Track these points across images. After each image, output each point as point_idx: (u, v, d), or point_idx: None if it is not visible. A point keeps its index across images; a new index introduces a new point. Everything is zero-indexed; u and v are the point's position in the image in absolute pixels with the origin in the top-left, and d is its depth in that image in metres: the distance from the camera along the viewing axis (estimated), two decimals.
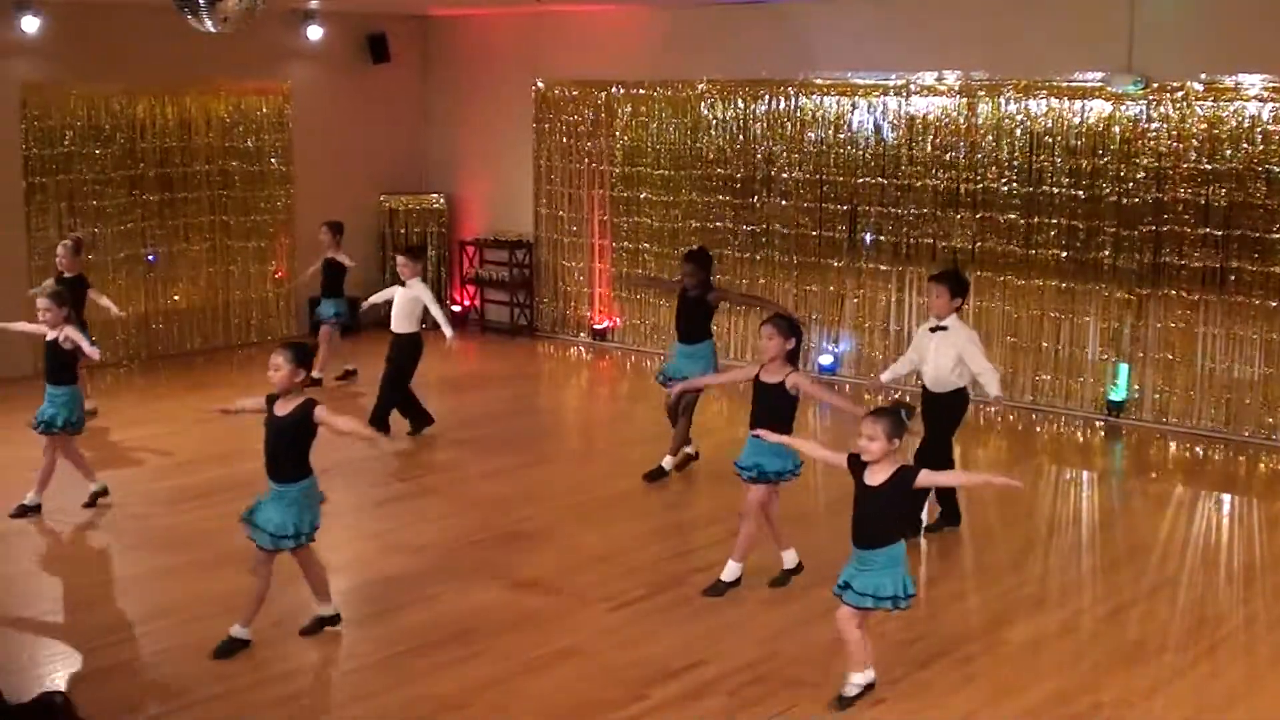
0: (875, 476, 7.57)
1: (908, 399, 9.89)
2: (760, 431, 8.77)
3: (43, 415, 10.96)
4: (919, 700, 7.86)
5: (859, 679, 7.75)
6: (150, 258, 16.90)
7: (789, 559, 9.64)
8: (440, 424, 13.70)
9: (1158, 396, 14.02)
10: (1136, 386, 14.07)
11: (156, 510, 11.34)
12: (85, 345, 10.89)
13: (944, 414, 10.51)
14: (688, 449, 12.46)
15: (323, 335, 15.72)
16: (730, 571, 9.46)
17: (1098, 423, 14.21)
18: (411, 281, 13.48)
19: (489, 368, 16.78)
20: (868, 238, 15.70)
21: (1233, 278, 13.48)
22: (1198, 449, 13.44)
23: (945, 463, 10.44)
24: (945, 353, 10.35)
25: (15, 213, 15.83)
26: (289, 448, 8.41)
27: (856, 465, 7.63)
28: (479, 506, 11.45)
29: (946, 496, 10.73)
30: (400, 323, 13.51)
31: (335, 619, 8.84)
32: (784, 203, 16.32)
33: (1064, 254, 14.39)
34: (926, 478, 7.70)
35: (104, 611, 9.28)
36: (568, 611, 9.14)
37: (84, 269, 14.13)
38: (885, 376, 11.22)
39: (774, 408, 9.24)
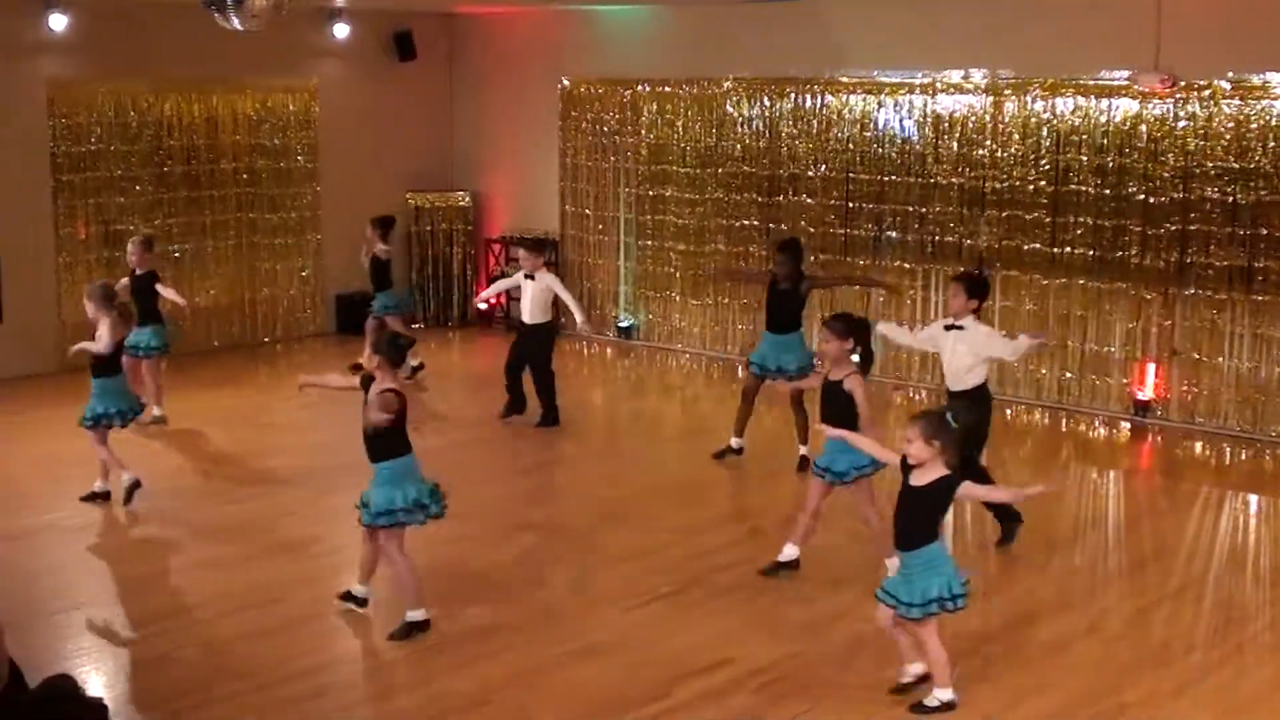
0: (920, 478, 7.60)
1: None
2: (822, 426, 9.01)
3: (89, 412, 11.18)
4: None
5: (941, 694, 7.72)
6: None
7: (790, 552, 9.69)
8: (464, 421, 13.73)
9: (1184, 396, 13.97)
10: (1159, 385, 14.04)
11: (182, 506, 11.38)
12: (99, 347, 11.15)
13: (969, 415, 10.41)
14: (734, 442, 12.59)
15: (370, 328, 15.75)
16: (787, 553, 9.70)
17: (1124, 422, 14.16)
18: (539, 274, 13.87)
19: None
20: (891, 235, 15.67)
21: (1260, 277, 13.41)
22: (1225, 448, 13.38)
23: (977, 464, 10.38)
24: (960, 351, 10.27)
25: (43, 210, 15.89)
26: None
27: (905, 467, 7.68)
28: (502, 503, 11.46)
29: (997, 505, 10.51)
30: (536, 313, 13.88)
31: (364, 602, 9.01)
32: (810, 201, 16.30)
33: (1090, 253, 14.34)
34: (968, 490, 7.71)
35: (128, 607, 9.32)
36: (590, 609, 9.15)
37: (154, 265, 14.14)
38: (881, 326, 11.33)
39: (837, 405, 9.35)
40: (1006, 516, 10.47)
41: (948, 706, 7.67)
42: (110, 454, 11.26)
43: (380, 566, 8.89)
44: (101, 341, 11.08)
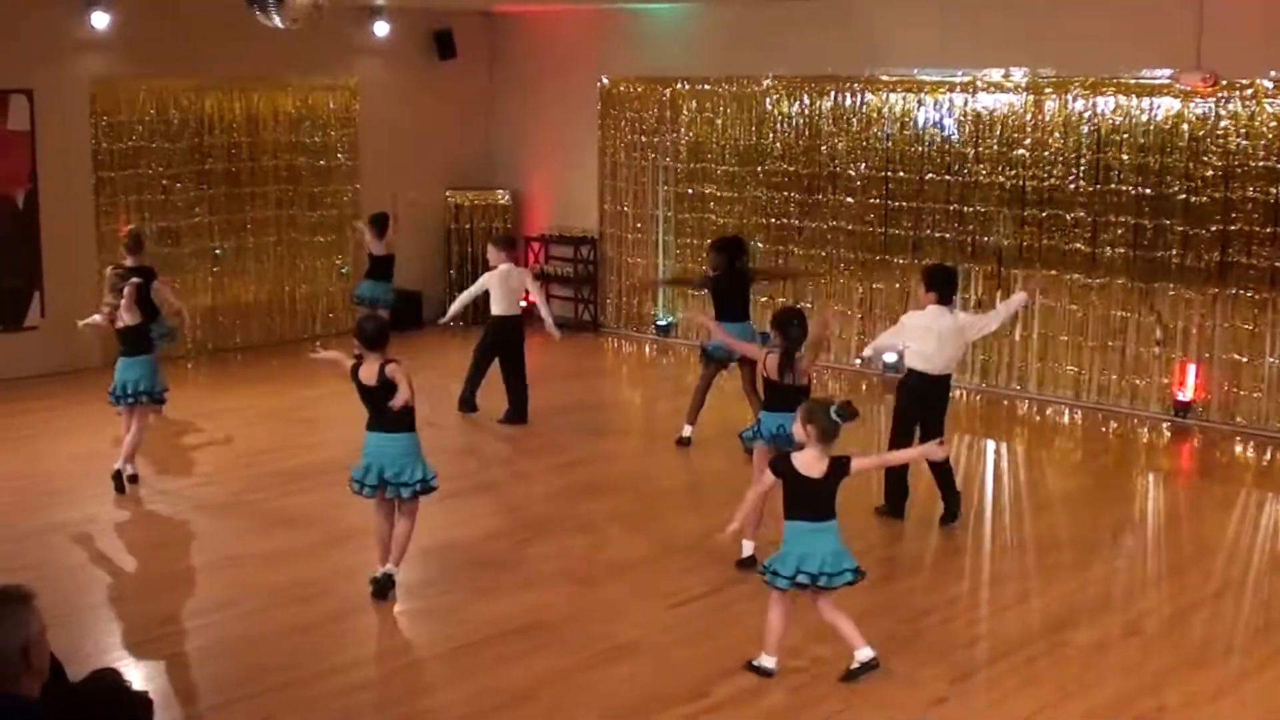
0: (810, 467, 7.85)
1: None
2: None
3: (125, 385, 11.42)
4: (981, 700, 7.84)
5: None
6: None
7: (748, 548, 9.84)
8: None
9: (1225, 397, 13.89)
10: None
11: (223, 502, 11.45)
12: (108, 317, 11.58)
13: (930, 402, 10.89)
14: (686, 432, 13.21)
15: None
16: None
17: (1164, 423, 14.09)
18: (510, 269, 13.92)
19: (553, 363, 16.80)
20: (919, 233, 15.68)
21: None
22: (1266, 449, 13.30)
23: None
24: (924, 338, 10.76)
25: (85, 206, 16.01)
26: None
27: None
28: (542, 501, 11.49)
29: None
30: (504, 306, 13.90)
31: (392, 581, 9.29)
32: (849, 200, 16.27)
33: (1131, 252, 14.27)
34: (859, 463, 7.99)
35: (166, 602, 9.37)
36: (631, 606, 9.16)
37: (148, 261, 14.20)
38: (867, 351, 11.94)
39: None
40: (948, 493, 10.86)
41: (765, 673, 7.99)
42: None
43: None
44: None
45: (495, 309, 13.82)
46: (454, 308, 14.24)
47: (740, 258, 13.22)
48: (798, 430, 7.84)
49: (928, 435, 10.31)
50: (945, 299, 10.83)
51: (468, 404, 14.03)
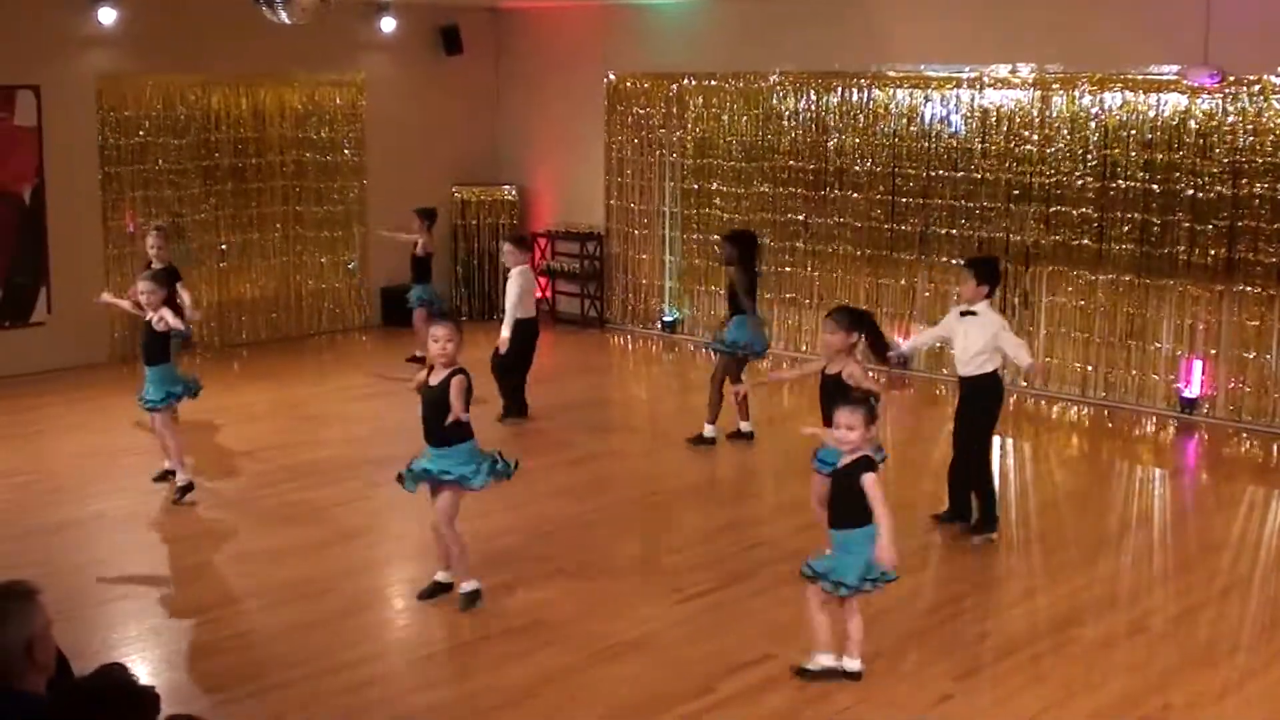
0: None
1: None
2: (809, 429, 9.14)
3: (150, 395, 11.23)
4: (987, 697, 7.82)
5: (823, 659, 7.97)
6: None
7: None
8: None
9: (1232, 393, 13.87)
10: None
11: (229, 497, 11.47)
12: (178, 323, 11.27)
13: (977, 402, 10.44)
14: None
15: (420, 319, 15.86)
16: None
17: (1171, 420, 14.07)
18: (522, 269, 13.66)
19: (559, 359, 16.82)
20: (926, 229, 15.66)
21: None
22: (1272, 446, 13.28)
23: (984, 454, 10.57)
24: (972, 337, 10.29)
25: (92, 202, 16.03)
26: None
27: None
28: (548, 497, 11.48)
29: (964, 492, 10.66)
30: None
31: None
32: (856, 196, 16.26)
33: (1138, 249, 14.26)
34: (871, 485, 7.73)
35: (174, 598, 9.39)
36: (636, 603, 9.15)
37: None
38: (906, 346, 11.71)
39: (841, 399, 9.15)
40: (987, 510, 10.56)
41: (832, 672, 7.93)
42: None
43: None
44: (179, 323, 11.33)
45: (519, 312, 13.51)
46: (505, 331, 13.55)
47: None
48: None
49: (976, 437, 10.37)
50: (993, 294, 10.66)
51: (520, 409, 13.91)
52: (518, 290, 13.45)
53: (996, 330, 10.31)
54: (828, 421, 8.99)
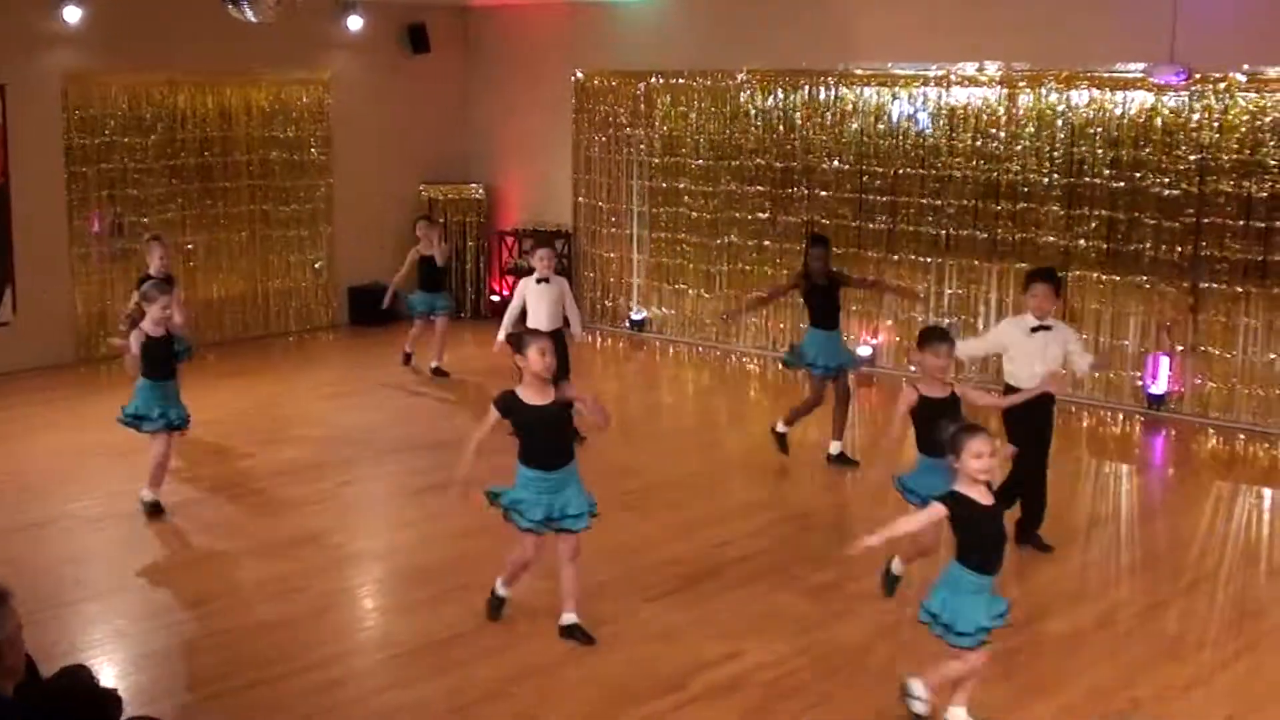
0: (987, 496, 7.19)
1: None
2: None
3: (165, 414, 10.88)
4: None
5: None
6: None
7: (897, 566, 9.22)
8: (480, 414, 13.71)
9: (1198, 389, 13.94)
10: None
11: (198, 498, 11.40)
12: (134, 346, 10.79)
13: (1042, 419, 10.19)
14: (834, 447, 12.33)
15: (420, 327, 15.80)
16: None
17: (1138, 416, 14.14)
18: (555, 278, 13.09)
19: None
20: (904, 228, 15.67)
21: (1275, 270, 13.37)
22: (1238, 442, 13.35)
23: (1042, 472, 10.26)
24: (1054, 353, 9.98)
25: (57, 201, 15.92)
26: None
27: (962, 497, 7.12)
28: None
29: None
30: (558, 318, 13.10)
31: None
32: (823, 194, 16.28)
33: (1105, 246, 14.32)
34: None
35: (140, 599, 9.34)
36: (606, 601, 9.14)
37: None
38: (963, 351, 10.60)
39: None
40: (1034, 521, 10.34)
41: None
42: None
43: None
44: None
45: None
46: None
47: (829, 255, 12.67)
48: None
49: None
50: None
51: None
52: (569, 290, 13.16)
53: (1071, 339, 10.16)
54: (925, 446, 8.82)
